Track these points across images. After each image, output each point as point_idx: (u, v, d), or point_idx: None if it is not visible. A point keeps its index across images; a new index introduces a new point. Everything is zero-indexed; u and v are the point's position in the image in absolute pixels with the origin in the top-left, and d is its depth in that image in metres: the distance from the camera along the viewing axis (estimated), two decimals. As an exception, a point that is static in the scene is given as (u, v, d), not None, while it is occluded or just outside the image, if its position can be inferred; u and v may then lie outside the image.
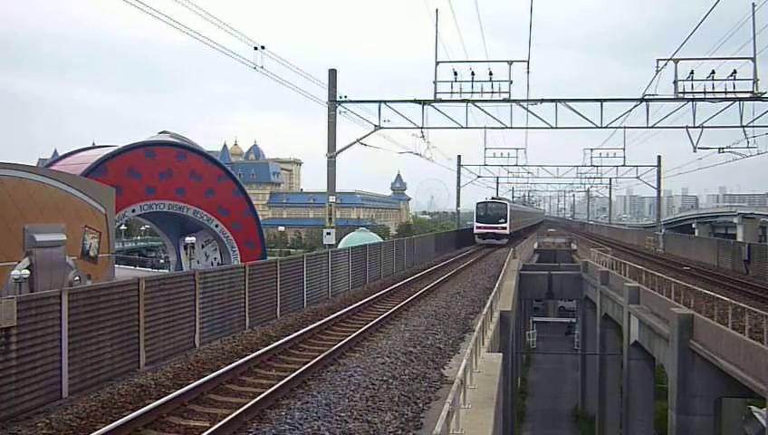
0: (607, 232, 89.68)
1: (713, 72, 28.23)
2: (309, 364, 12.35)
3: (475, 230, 53.84)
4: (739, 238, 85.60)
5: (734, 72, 28.03)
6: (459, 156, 66.95)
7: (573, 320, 57.56)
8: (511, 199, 79.53)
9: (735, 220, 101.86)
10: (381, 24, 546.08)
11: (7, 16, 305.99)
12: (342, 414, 9.87)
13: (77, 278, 24.72)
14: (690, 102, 29.46)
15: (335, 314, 18.20)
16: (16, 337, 10.18)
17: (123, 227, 79.48)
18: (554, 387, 46.03)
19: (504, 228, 52.86)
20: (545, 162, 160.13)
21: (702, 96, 28.80)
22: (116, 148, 48.14)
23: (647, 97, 29.40)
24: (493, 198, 58.52)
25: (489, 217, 53.13)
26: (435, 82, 29.53)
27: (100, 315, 11.95)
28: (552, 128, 31.26)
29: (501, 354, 13.82)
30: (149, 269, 63.31)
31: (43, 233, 23.74)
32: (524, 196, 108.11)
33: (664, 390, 22.69)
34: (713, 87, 28.44)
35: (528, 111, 30.91)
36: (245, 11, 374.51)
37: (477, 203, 56.23)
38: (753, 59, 28.02)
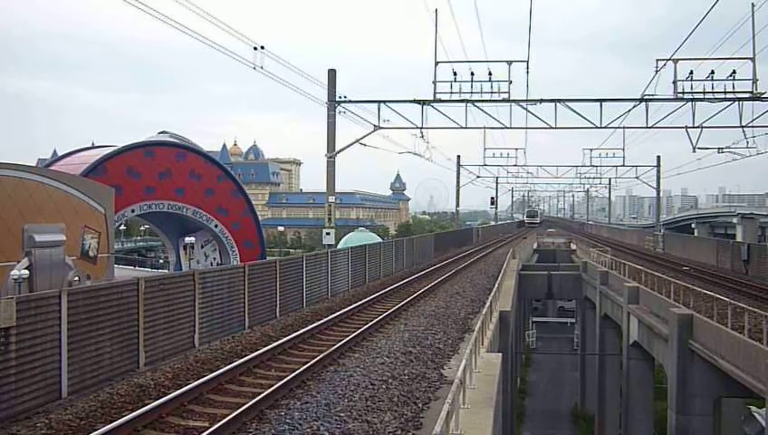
0: (606, 232, 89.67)
1: (712, 72, 28.16)
2: (308, 364, 12.35)
3: (526, 221, 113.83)
4: (738, 238, 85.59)
5: (734, 72, 27.98)
6: (459, 156, 67.70)
7: (573, 320, 57.68)
8: (539, 207, 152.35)
9: (735, 220, 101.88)
10: (381, 24, 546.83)
11: (7, 16, 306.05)
12: (342, 414, 9.87)
13: (76, 278, 24.68)
14: (690, 102, 29.41)
15: (335, 314, 18.21)
16: (16, 337, 10.18)
17: (123, 227, 79.44)
18: (554, 387, 46.02)
19: (537, 221, 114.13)
20: (545, 162, 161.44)
21: (701, 96, 28.73)
22: (116, 148, 48.18)
23: (646, 97, 29.35)
24: (531, 208, 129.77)
25: (531, 216, 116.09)
26: (434, 82, 29.49)
27: (99, 315, 11.96)
28: (551, 128, 31.24)
29: (500, 354, 13.77)
30: (149, 269, 63.32)
31: (43, 233, 23.71)
32: (524, 196, 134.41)
33: (664, 390, 22.68)
34: (712, 87, 28.39)
35: (527, 111, 30.92)
36: (245, 11, 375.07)
37: (526, 210, 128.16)
38: (753, 59, 27.97)
